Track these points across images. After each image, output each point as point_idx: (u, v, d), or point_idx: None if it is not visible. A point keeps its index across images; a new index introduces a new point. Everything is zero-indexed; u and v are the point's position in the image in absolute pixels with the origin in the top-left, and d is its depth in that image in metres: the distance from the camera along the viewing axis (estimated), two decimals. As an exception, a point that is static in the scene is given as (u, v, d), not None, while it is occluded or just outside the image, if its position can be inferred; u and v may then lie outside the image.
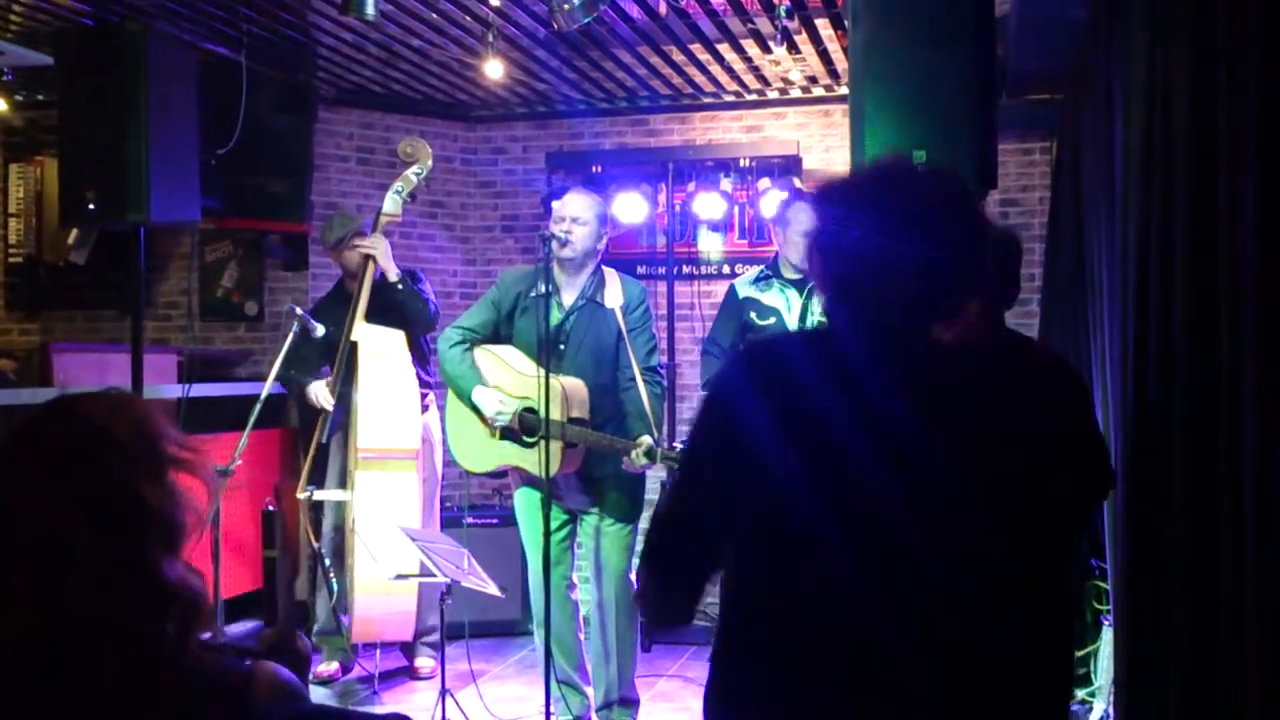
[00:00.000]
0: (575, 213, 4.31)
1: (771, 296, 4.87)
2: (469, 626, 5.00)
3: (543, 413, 4.02)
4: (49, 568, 1.41)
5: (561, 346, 4.30)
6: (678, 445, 4.05)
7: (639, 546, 5.09)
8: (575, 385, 4.24)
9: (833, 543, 1.75)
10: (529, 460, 4.23)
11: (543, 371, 4.04)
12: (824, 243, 1.88)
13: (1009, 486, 1.80)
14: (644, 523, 5.11)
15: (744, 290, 4.96)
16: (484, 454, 4.39)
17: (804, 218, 4.80)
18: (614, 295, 4.36)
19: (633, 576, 4.48)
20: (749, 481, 1.81)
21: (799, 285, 4.82)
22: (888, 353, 1.82)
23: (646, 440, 4.08)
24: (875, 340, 1.83)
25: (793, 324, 4.80)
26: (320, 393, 5.20)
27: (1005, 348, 2.61)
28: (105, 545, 1.42)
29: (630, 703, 4.48)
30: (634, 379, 4.27)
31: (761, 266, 5.07)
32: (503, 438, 4.32)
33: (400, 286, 5.11)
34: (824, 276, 1.89)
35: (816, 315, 4.81)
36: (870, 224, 1.81)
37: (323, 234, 5.47)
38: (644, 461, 4.09)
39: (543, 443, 4.08)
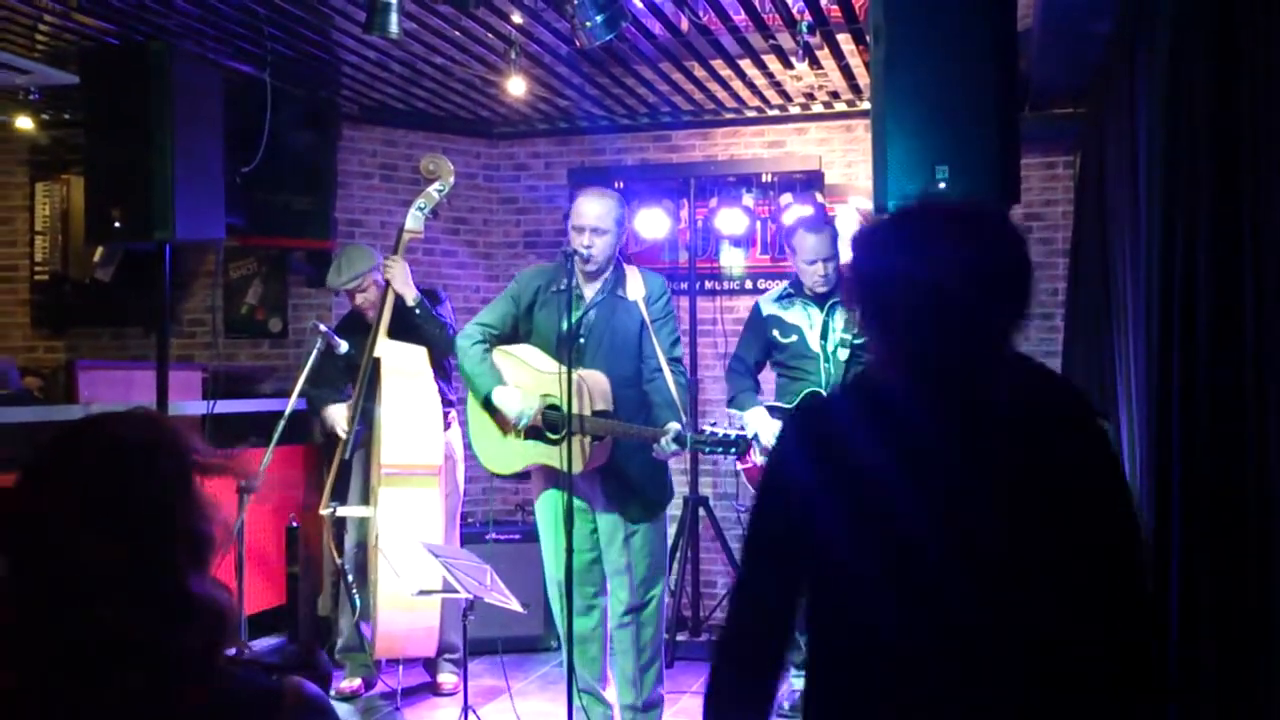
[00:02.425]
0: (594, 221, 4.25)
1: (794, 314, 4.92)
2: (491, 643, 5.01)
3: (565, 410, 3.99)
4: (77, 584, 1.41)
5: (582, 340, 4.25)
6: (705, 429, 3.98)
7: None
8: (596, 377, 4.18)
9: (887, 605, 1.73)
10: (556, 457, 4.15)
11: (564, 368, 4.01)
12: (860, 275, 1.85)
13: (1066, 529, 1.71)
14: (670, 525, 5.11)
15: (767, 308, 5.03)
16: (509, 455, 4.34)
17: (810, 243, 4.83)
18: (635, 288, 4.31)
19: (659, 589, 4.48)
20: (809, 545, 1.80)
21: (820, 302, 4.87)
22: (934, 393, 1.77)
23: (675, 426, 4.02)
24: (921, 380, 1.78)
25: (814, 341, 4.86)
26: (337, 417, 5.22)
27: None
28: (133, 561, 1.43)
29: (654, 705, 4.45)
30: (659, 369, 4.20)
31: (785, 284, 5.12)
32: (527, 437, 4.30)
33: (418, 311, 5.06)
34: (864, 311, 1.85)
35: (838, 332, 4.82)
36: (903, 250, 1.78)
37: (329, 277, 5.37)
38: (673, 448, 4.01)
39: (567, 438, 4.04)
